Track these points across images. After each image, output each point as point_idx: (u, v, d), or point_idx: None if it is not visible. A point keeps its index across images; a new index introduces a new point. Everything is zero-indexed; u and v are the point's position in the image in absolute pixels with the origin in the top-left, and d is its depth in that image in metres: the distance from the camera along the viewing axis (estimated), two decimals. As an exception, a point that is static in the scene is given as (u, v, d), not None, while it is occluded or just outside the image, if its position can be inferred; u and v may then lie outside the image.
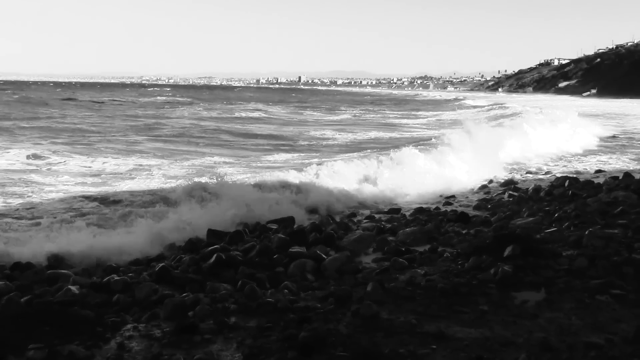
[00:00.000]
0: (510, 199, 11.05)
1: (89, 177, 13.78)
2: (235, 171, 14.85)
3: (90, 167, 15.58)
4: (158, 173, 14.51)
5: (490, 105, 54.26)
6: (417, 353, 4.22)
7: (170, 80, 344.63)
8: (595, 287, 5.48)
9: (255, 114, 43.85)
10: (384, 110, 58.89)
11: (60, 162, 16.04)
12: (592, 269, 6.00)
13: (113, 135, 24.66)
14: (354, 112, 53.63)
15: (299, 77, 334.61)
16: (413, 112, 53.16)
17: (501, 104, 52.28)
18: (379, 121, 40.97)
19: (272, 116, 43.15)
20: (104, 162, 16.33)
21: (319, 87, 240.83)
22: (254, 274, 6.17)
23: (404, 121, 41.14)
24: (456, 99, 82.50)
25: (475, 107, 56.52)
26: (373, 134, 28.95)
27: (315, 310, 4.98)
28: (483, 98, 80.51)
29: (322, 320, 4.74)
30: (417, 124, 38.50)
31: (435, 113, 51.87)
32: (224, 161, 17.23)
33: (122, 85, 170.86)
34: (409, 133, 30.13)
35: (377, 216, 9.80)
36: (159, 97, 73.73)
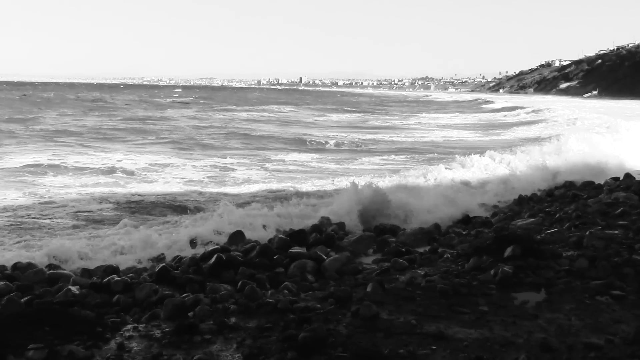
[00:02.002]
0: (510, 201, 11.05)
1: (111, 177, 14.03)
2: (255, 173, 15.06)
3: (112, 166, 15.81)
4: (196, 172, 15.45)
5: (528, 109, 50.85)
6: (417, 353, 4.22)
7: (171, 81, 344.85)
8: (596, 288, 5.47)
9: (264, 115, 44.01)
10: (402, 111, 58.05)
11: (79, 161, 16.31)
12: (592, 270, 5.99)
13: (127, 136, 24.86)
14: (364, 114, 53.16)
15: (300, 78, 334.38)
16: (435, 114, 52.40)
17: (523, 107, 51.26)
18: (406, 122, 40.41)
19: (280, 117, 43.24)
20: (121, 161, 16.56)
21: (321, 88, 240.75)
22: (254, 275, 6.18)
23: (412, 124, 40.80)
24: (476, 100, 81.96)
25: (500, 110, 54.66)
26: (402, 137, 28.66)
27: (315, 311, 4.98)
28: (503, 100, 79.26)
29: (322, 321, 4.74)
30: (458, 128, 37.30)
31: (473, 115, 50.64)
32: (238, 162, 17.28)
33: (125, 86, 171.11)
34: (427, 136, 29.94)
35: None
36: (165, 99, 74.03)
